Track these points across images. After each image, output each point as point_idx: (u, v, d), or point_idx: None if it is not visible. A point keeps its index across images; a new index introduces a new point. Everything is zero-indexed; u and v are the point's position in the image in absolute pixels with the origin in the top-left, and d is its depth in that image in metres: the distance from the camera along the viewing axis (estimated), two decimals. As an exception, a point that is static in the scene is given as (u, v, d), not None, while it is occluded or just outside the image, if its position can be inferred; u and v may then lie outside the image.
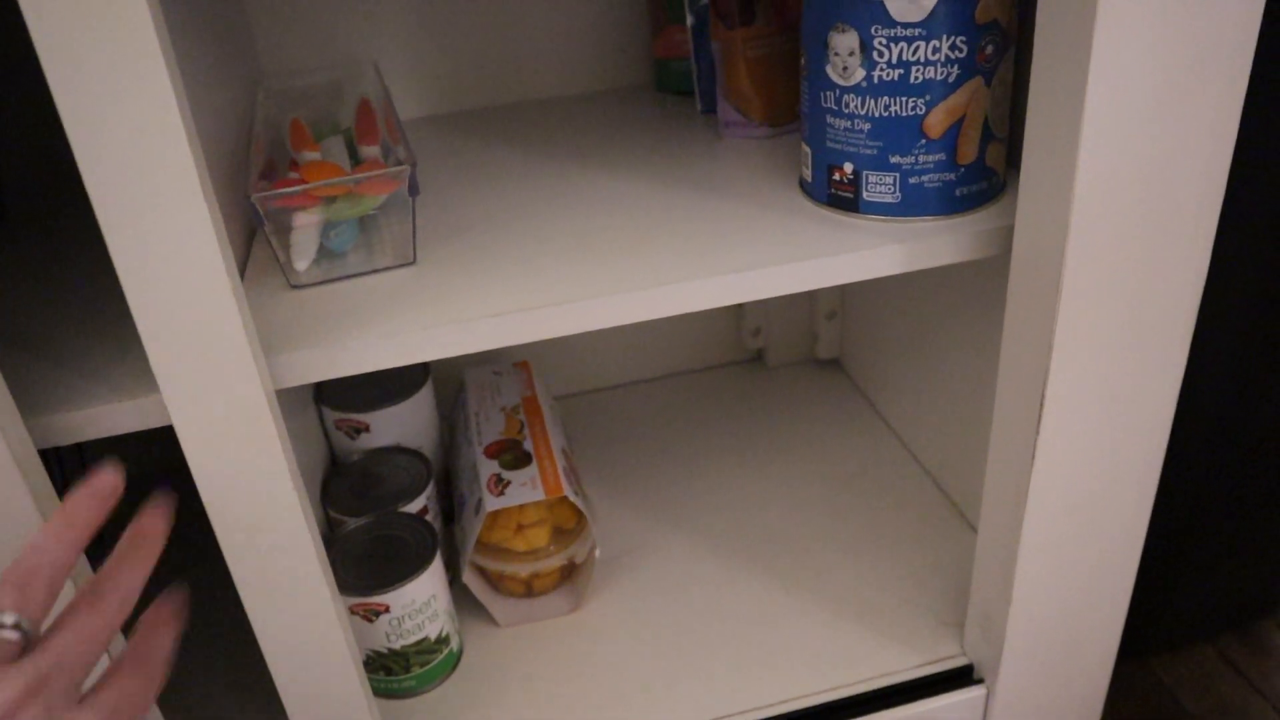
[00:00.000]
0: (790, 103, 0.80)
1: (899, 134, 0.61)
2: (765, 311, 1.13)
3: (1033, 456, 0.62)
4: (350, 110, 0.78)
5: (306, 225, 0.62)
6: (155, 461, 0.98)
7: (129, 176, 0.46)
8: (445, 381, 1.04)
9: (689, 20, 0.83)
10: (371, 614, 0.73)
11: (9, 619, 0.39)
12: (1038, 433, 0.61)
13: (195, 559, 0.67)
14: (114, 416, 0.55)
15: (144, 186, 0.46)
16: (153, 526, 0.46)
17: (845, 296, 1.11)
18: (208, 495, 0.55)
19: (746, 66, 0.78)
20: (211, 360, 0.51)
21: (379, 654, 0.75)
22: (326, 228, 0.64)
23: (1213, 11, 0.50)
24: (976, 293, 0.80)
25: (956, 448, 0.91)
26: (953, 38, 0.58)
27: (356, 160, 0.71)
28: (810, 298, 1.12)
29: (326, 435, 0.87)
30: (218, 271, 0.49)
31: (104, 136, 0.45)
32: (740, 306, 1.13)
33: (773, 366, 1.16)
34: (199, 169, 0.47)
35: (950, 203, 0.63)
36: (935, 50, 0.58)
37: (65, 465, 0.86)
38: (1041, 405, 0.60)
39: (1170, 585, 0.99)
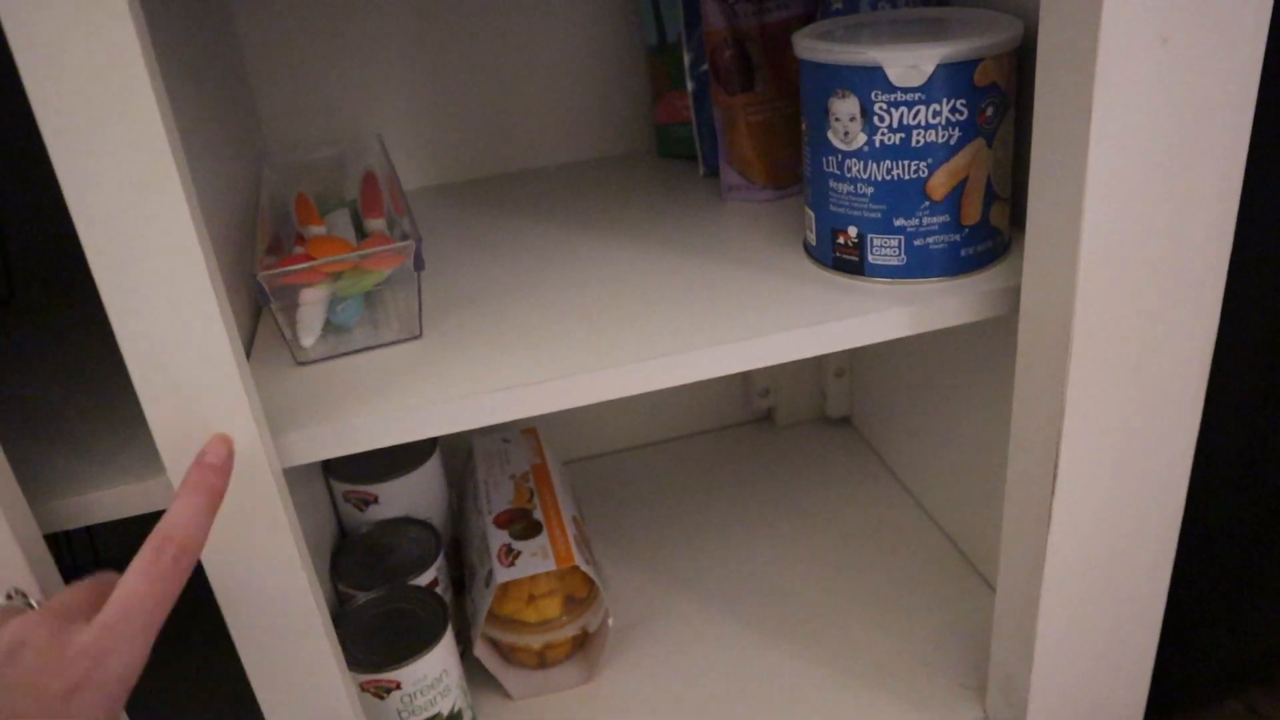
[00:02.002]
0: (792, 165, 0.81)
1: (902, 197, 0.61)
2: (774, 371, 1.12)
3: (1049, 517, 0.61)
4: (355, 183, 0.79)
5: (313, 301, 0.62)
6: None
7: (134, 260, 0.46)
8: (453, 450, 1.03)
9: (689, 86, 0.84)
10: (383, 691, 0.72)
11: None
12: (1053, 493, 0.60)
13: (201, 638, 0.66)
14: (121, 500, 0.55)
15: (149, 270, 0.47)
16: (215, 454, 0.47)
17: (854, 354, 1.10)
18: (215, 577, 0.55)
19: (748, 131, 0.78)
20: (218, 442, 0.51)
21: (391, 732, 0.74)
22: (332, 302, 0.64)
23: (1212, 67, 0.50)
24: (987, 347, 0.80)
25: (972, 505, 0.90)
26: (953, 101, 0.58)
27: (362, 233, 0.71)
28: (819, 356, 1.12)
29: (335, 507, 0.86)
30: (224, 354, 0.49)
31: (109, 221, 0.45)
32: (748, 366, 1.13)
33: (782, 426, 1.15)
34: (204, 250, 0.47)
35: (956, 263, 0.63)
36: (936, 114, 0.58)
37: (75, 550, 0.86)
38: (1056, 465, 0.59)
39: (1194, 640, 0.97)
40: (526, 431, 0.97)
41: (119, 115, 0.44)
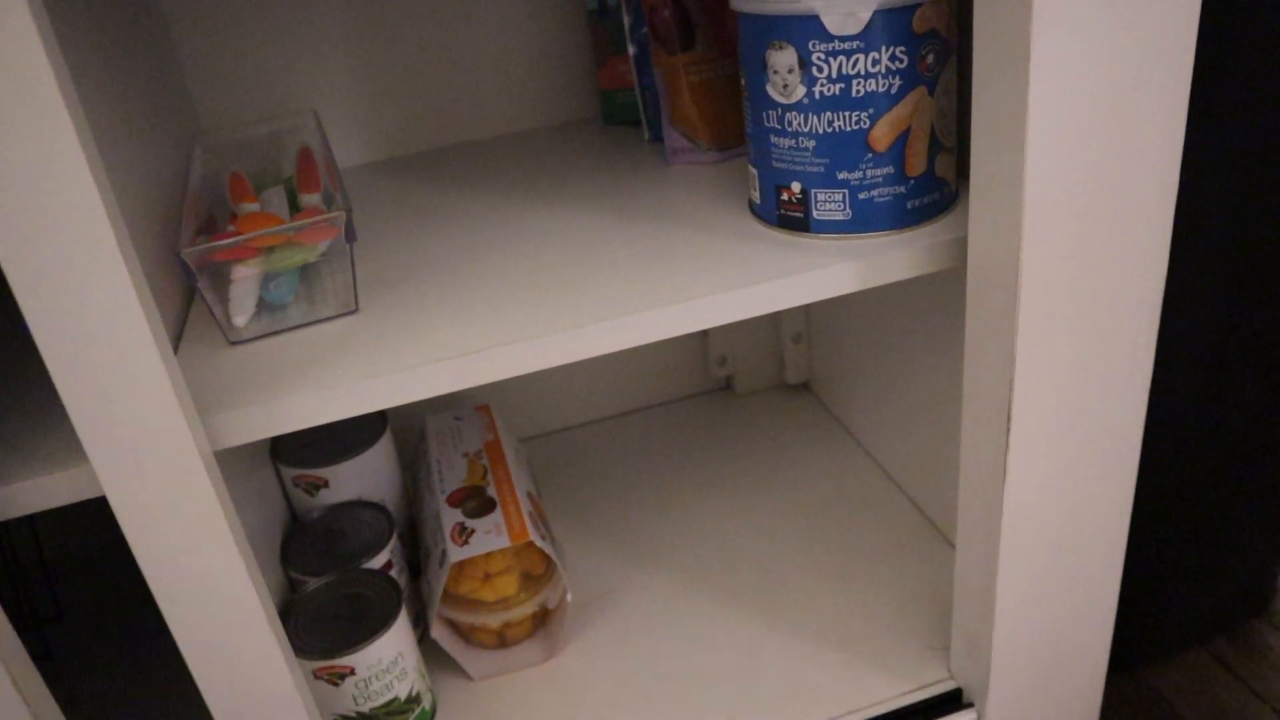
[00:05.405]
0: (737, 126, 0.79)
1: (845, 149, 0.59)
2: (731, 338, 1.11)
3: (1004, 471, 0.61)
4: (292, 159, 0.76)
5: (245, 278, 0.60)
6: (94, 534, 0.95)
7: (40, 242, 0.44)
8: (405, 430, 1.02)
9: (631, 49, 0.82)
10: (336, 677, 0.70)
11: None
12: (1007, 447, 0.60)
13: (144, 635, 0.64)
14: (44, 490, 0.52)
15: (57, 251, 0.44)
16: None
17: (811, 319, 1.09)
18: (147, 567, 0.53)
19: (690, 91, 0.77)
20: (140, 426, 0.49)
21: (347, 718, 0.72)
22: (266, 280, 0.62)
23: (1150, 12, 0.48)
24: (942, 306, 0.79)
25: (932, 466, 0.89)
26: (892, 49, 0.56)
27: (297, 209, 0.69)
28: (775, 322, 1.11)
29: (285, 493, 0.84)
30: (141, 334, 0.47)
31: (11, 200, 0.43)
32: (705, 335, 1.11)
33: (742, 394, 1.14)
34: (116, 229, 0.45)
35: (902, 216, 0.62)
36: (875, 62, 0.57)
37: (16, 544, 0.84)
38: (1009, 419, 0.59)
39: (1156, 592, 0.97)
40: (479, 409, 0.95)
41: (13, 88, 0.41)
